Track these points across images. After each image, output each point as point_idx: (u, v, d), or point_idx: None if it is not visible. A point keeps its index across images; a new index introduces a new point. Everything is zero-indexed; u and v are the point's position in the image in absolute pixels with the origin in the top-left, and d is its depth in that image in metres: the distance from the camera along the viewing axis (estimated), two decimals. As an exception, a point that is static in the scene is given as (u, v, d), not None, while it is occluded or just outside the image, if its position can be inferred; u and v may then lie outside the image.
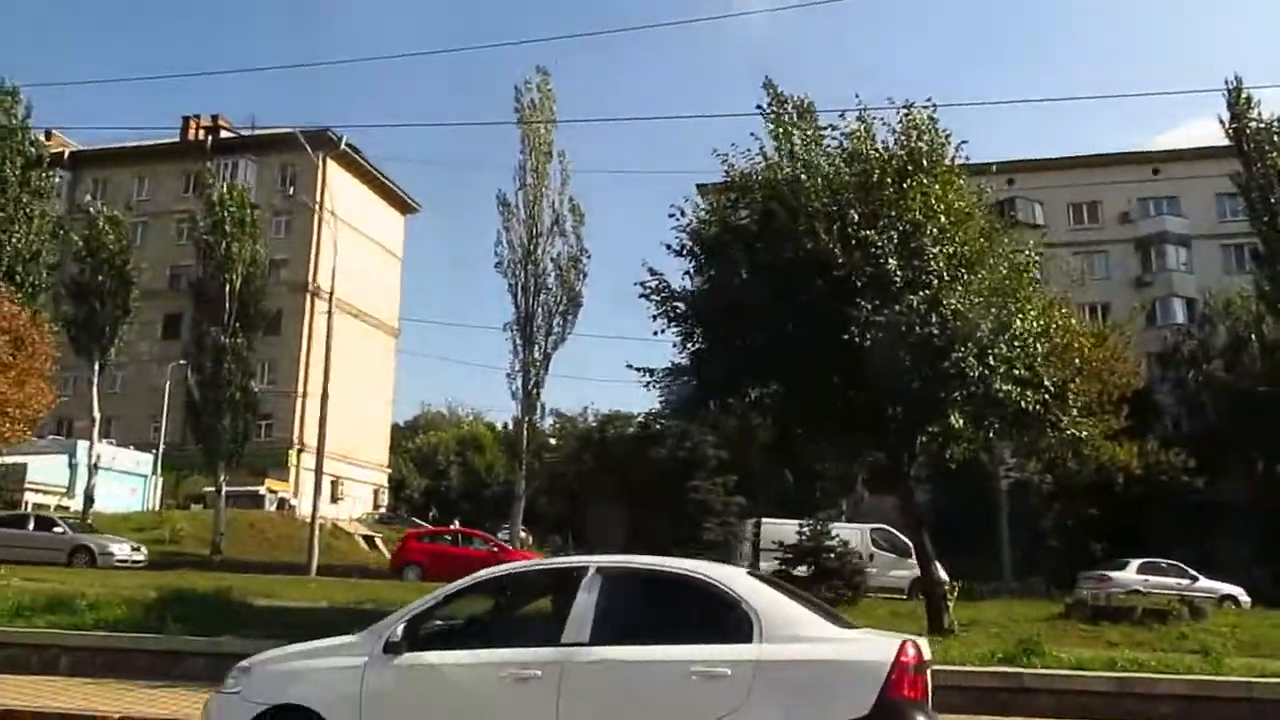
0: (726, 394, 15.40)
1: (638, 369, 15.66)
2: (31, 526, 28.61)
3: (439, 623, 6.38)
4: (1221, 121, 38.12)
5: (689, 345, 15.05)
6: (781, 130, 14.76)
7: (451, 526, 42.54)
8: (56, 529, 28.54)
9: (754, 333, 13.52)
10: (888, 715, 5.17)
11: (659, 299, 14.86)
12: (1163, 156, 55.43)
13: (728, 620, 5.56)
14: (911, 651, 5.33)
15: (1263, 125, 37.25)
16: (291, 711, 5.97)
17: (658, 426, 40.41)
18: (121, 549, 28.22)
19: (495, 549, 28.93)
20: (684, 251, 15.32)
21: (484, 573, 6.89)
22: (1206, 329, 47.54)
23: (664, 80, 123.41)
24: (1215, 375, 45.04)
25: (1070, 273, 39.51)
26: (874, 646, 5.49)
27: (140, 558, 28.53)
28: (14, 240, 34.04)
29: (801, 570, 20.54)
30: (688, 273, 15.28)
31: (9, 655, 11.90)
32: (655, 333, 14.68)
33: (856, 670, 5.29)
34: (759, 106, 15.24)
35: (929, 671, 5.65)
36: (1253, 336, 42.13)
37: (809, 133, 14.87)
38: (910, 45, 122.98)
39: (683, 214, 15.50)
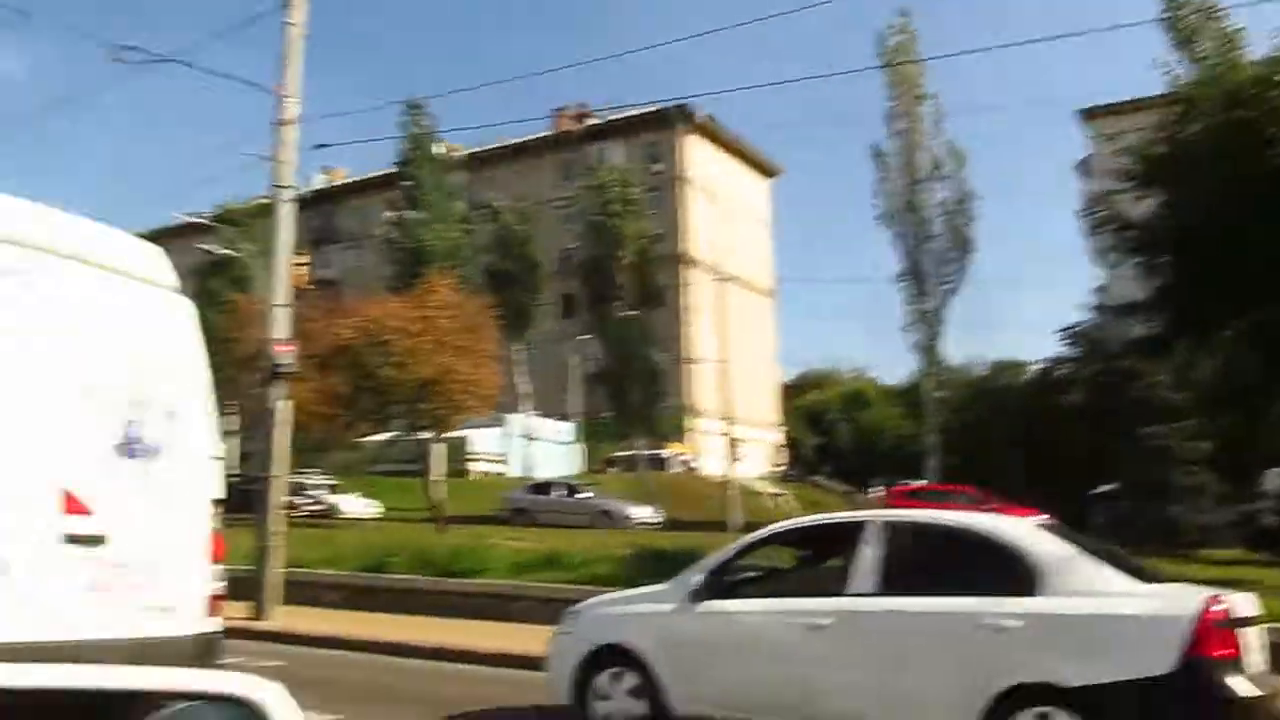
0: (1201, 330, 13.91)
1: (1096, 307, 14.64)
2: (561, 494, 31.01)
3: (744, 573, 6.91)
4: None
5: (1152, 279, 13.77)
6: (1184, 36, 13.25)
7: (950, 484, 41.00)
8: (581, 495, 30.86)
9: (1235, 259, 12.04)
10: (1193, 674, 4.91)
11: (1113, 228, 13.74)
12: None
13: (1012, 573, 5.50)
14: (1219, 607, 5.03)
15: None
16: (615, 649, 6.69)
17: (1062, 373, 38.08)
18: (641, 512, 29.76)
19: (991, 507, 27.82)
20: (1126, 175, 14.14)
21: (776, 526, 7.51)
22: None
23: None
24: None
25: None
26: (1173, 602, 5.26)
27: (659, 519, 29.91)
28: (437, 237, 38.32)
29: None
30: (1138, 197, 14.02)
31: (524, 606, 13.31)
32: (1109, 267, 13.64)
33: (1152, 625, 5.12)
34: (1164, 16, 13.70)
35: (1252, 630, 5.30)
36: None
37: (1218, 33, 13.18)
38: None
39: (1110, 139, 14.27)
